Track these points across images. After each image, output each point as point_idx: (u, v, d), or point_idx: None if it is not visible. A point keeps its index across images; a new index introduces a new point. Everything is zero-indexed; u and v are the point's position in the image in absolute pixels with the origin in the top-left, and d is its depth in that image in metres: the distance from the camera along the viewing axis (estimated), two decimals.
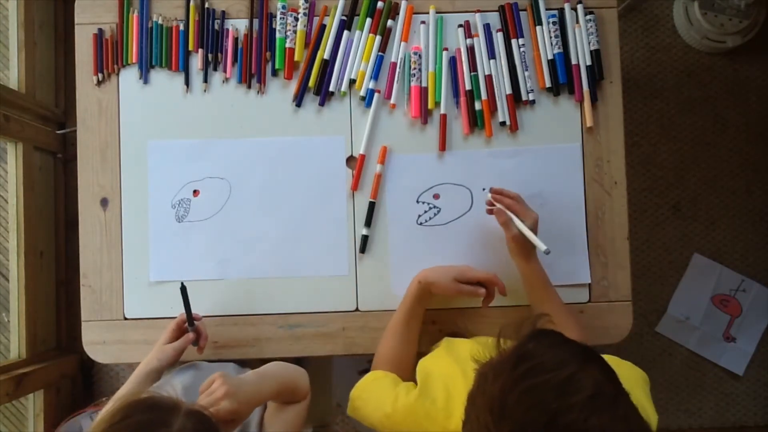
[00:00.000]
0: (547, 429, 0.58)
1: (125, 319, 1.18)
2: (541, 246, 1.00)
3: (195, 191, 1.20)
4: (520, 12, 1.21)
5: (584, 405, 0.59)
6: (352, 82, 1.21)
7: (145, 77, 1.21)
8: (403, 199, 1.20)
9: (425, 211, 1.20)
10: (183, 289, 1.08)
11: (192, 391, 1.03)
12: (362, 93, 1.20)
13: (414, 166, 1.20)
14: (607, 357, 0.69)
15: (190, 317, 1.10)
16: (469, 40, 1.21)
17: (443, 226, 1.19)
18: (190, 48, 1.21)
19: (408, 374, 1.04)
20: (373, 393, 1.02)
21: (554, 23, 1.20)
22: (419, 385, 0.95)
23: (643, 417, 0.64)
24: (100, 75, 1.20)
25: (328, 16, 1.21)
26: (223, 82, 1.21)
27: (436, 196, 1.20)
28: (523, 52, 1.20)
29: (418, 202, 1.20)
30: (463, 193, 1.20)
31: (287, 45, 1.20)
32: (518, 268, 1.10)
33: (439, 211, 1.20)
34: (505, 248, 1.10)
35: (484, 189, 1.19)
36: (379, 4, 1.21)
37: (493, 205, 1.10)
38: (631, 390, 0.65)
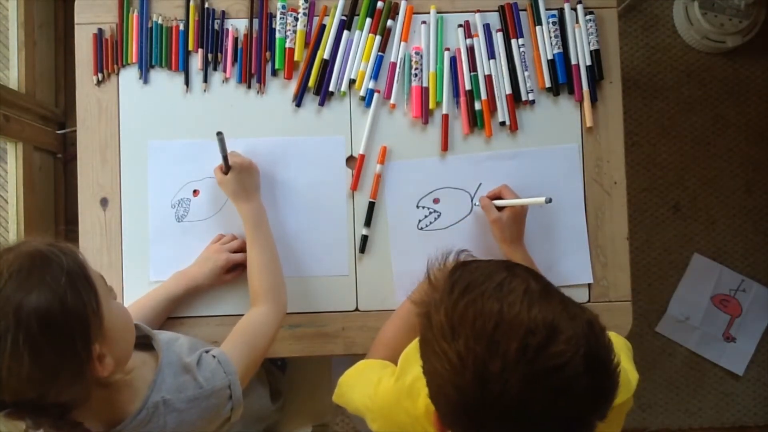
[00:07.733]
0: (496, 330, 0.63)
1: None
2: (538, 200, 1.03)
3: (195, 191, 1.20)
4: (520, 12, 1.21)
5: (522, 300, 0.64)
6: (351, 82, 1.21)
7: (145, 77, 1.21)
8: (404, 204, 1.19)
9: (425, 216, 1.20)
10: (219, 135, 1.07)
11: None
12: (362, 93, 1.20)
13: (413, 171, 1.19)
14: None
15: (226, 162, 1.10)
16: (468, 40, 1.20)
17: (444, 230, 1.19)
18: (190, 48, 1.21)
19: None
20: (360, 378, 1.01)
21: (554, 23, 1.20)
22: (398, 369, 0.93)
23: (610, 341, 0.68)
24: (100, 75, 1.20)
25: (328, 16, 1.21)
26: (223, 82, 1.21)
27: (436, 201, 1.20)
28: (523, 52, 1.20)
29: (418, 207, 1.20)
30: (462, 197, 1.20)
31: (287, 45, 1.20)
32: (504, 254, 1.11)
33: (439, 216, 1.20)
34: None
35: (480, 184, 1.19)
36: (379, 4, 1.21)
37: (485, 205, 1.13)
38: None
